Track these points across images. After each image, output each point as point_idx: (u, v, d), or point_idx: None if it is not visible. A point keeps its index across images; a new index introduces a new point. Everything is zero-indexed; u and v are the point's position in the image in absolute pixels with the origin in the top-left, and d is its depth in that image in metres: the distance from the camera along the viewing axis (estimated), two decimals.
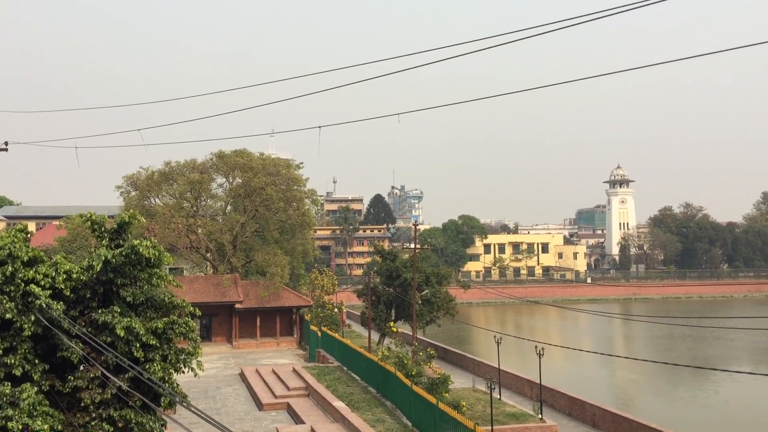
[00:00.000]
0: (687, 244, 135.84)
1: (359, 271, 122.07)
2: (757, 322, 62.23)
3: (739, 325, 61.81)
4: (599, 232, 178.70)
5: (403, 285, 44.13)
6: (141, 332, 14.85)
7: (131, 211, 16.48)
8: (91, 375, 14.60)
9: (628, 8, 9.96)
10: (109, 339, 14.87)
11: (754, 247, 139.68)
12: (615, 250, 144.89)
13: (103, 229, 16.08)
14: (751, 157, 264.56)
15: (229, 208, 54.92)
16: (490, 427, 23.90)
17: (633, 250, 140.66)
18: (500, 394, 30.58)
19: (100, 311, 15.07)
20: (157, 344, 15.34)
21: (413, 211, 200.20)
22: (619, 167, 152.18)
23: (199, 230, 50.72)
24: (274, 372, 35.88)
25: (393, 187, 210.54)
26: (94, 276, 15.33)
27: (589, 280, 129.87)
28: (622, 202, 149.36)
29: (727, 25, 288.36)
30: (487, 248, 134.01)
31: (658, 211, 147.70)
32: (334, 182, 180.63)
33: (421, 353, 33.46)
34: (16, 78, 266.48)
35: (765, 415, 36.69)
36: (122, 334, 14.68)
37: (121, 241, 16.04)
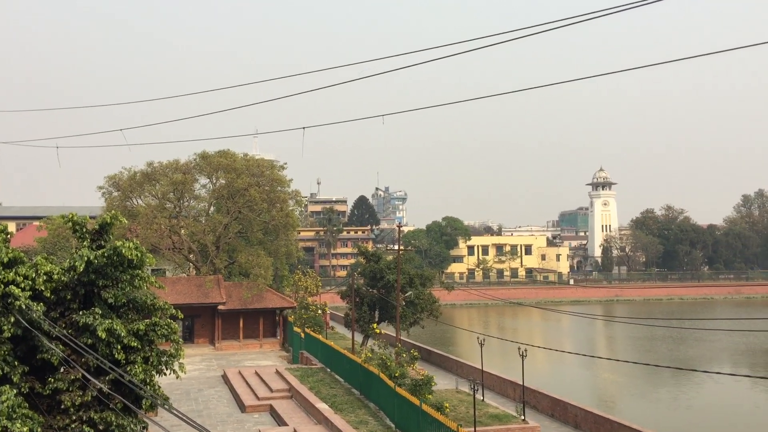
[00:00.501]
0: (668, 247, 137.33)
1: (343, 273, 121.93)
2: (737, 324, 62.97)
3: (720, 327, 62.44)
4: (582, 234, 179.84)
5: (386, 286, 44.17)
6: (122, 334, 14.76)
7: (113, 212, 16.38)
8: (72, 377, 14.48)
9: (610, 12, 10.04)
10: (90, 341, 14.77)
11: (734, 250, 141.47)
12: (597, 252, 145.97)
13: (84, 230, 15.97)
14: (731, 160, 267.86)
15: (212, 209, 54.63)
16: (473, 429, 23.95)
17: (615, 252, 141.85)
18: (483, 396, 30.68)
19: (81, 313, 14.96)
20: (139, 346, 15.26)
21: (397, 212, 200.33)
22: (601, 170, 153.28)
23: (182, 231, 50.40)
24: (257, 374, 35.76)
25: (377, 189, 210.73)
26: (76, 277, 15.21)
27: (571, 281, 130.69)
28: (605, 204, 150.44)
29: (711, 30, 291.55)
30: (470, 250, 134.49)
31: (640, 213, 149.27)
32: (318, 183, 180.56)
33: (404, 355, 33.48)
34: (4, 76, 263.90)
35: (744, 416, 37.04)
36: (103, 336, 14.58)
37: (102, 242, 15.93)
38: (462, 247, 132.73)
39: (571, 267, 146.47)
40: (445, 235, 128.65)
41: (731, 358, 56.59)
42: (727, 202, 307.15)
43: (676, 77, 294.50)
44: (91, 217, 17.05)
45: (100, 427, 14.63)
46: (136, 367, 15.04)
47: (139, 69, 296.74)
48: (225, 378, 36.52)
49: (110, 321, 14.73)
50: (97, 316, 14.80)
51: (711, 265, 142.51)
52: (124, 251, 15.02)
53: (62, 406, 14.51)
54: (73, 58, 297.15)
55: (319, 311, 50.80)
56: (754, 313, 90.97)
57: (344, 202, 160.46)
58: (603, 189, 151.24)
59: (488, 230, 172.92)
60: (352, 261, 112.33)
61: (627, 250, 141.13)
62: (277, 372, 35.54)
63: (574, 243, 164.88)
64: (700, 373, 44.04)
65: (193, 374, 37.93)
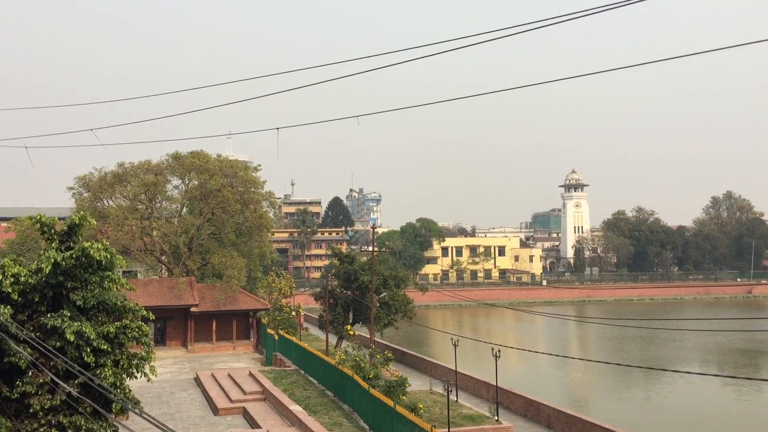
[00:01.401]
0: (639, 248, 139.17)
1: (317, 274, 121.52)
2: (706, 324, 63.96)
3: (689, 327, 63.40)
4: (555, 235, 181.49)
5: (360, 288, 44.16)
6: (92, 337, 14.57)
7: (81, 213, 16.16)
8: (40, 381, 14.27)
9: (581, 15, 10.12)
10: (58, 344, 14.55)
11: (703, 250, 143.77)
12: (570, 253, 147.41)
13: (53, 231, 15.76)
14: (701, 163, 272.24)
15: (184, 210, 54.11)
16: (446, 430, 24.00)
17: (587, 253, 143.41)
18: (457, 397, 30.75)
19: (49, 315, 14.74)
20: (109, 349, 15.07)
21: (371, 213, 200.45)
22: (574, 171, 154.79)
23: (154, 232, 49.87)
24: (230, 376, 35.54)
25: (351, 190, 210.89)
26: (43, 279, 14.99)
27: (544, 282, 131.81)
28: (577, 206, 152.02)
29: (682, 34, 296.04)
30: (444, 251, 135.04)
31: (612, 215, 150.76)
32: (292, 185, 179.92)
33: (378, 356, 33.43)
34: None
35: (713, 415, 37.62)
36: (72, 339, 14.39)
37: (71, 244, 15.70)
38: (436, 249, 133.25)
39: (544, 268, 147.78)
40: (420, 236, 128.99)
41: (701, 358, 57.47)
42: (697, 203, 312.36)
43: (648, 81, 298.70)
44: (60, 219, 16.81)
45: (70, 431, 14.40)
46: (106, 370, 14.84)
47: (135, 69, 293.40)
48: (197, 380, 36.21)
49: (79, 323, 14.51)
50: (65, 319, 14.59)
51: (681, 266, 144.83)
52: (92, 252, 14.83)
53: (31, 410, 14.30)
54: (66, 56, 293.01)
55: (293, 313, 50.59)
56: (722, 313, 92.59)
57: (318, 203, 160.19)
58: (575, 191, 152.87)
59: (462, 232, 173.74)
60: (327, 262, 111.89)
61: (599, 251, 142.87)
62: (251, 374, 35.34)
63: (547, 244, 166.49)
64: (670, 373, 44.61)
65: (165, 377, 37.56)
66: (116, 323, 15.42)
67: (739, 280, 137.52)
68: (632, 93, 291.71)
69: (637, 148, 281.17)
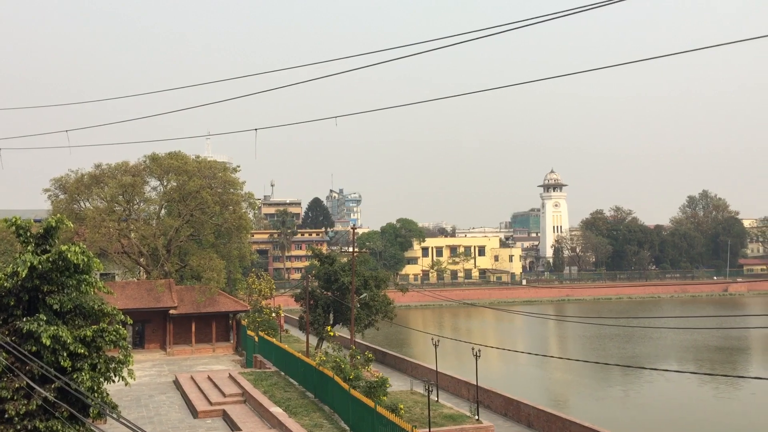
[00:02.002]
0: (617, 247, 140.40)
1: (297, 275, 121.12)
2: (683, 322, 64.71)
3: (667, 325, 64.06)
4: (534, 235, 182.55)
5: (341, 289, 44.11)
6: (68, 341, 14.46)
7: (58, 215, 16.01)
8: (16, 385, 14.12)
9: (563, 14, 10.20)
10: (34, 348, 14.42)
11: (680, 249, 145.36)
12: (549, 252, 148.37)
13: (28, 234, 15.59)
14: (677, 162, 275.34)
15: (163, 211, 53.66)
16: (427, 430, 24.03)
17: (566, 253, 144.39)
18: (438, 397, 30.83)
19: (25, 319, 14.59)
20: (86, 353, 14.96)
21: (352, 214, 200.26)
22: (552, 171, 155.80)
23: (132, 234, 49.38)
24: (209, 378, 35.38)
25: (331, 191, 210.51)
26: (19, 283, 14.81)
27: (524, 282, 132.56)
28: (556, 205, 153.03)
29: (664, 33, 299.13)
30: (425, 251, 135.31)
31: (590, 214, 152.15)
32: (272, 185, 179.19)
33: (358, 357, 33.44)
34: None
35: (691, 412, 38.04)
36: (48, 343, 14.26)
37: (47, 247, 15.54)
38: (416, 249, 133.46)
39: (524, 267, 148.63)
40: (400, 236, 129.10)
41: (678, 355, 58.10)
42: (674, 203, 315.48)
43: (626, 82, 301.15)
44: (36, 221, 16.64)
45: None
46: (83, 374, 14.73)
47: (114, 69, 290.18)
48: (177, 383, 35.98)
49: (55, 327, 14.40)
50: (41, 323, 14.45)
51: (658, 265, 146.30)
52: (69, 256, 14.70)
53: (6, 416, 14.15)
54: (43, 55, 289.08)
55: (273, 314, 50.45)
56: (698, 311, 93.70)
57: (298, 204, 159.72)
58: (554, 190, 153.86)
59: (442, 232, 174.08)
60: (307, 263, 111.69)
61: (577, 250, 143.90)
62: (230, 376, 35.18)
63: (526, 244, 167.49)
64: (649, 371, 45.03)
65: (143, 380, 37.31)
66: (93, 327, 15.31)
67: (715, 278, 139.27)
68: (610, 93, 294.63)
69: (615, 148, 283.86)
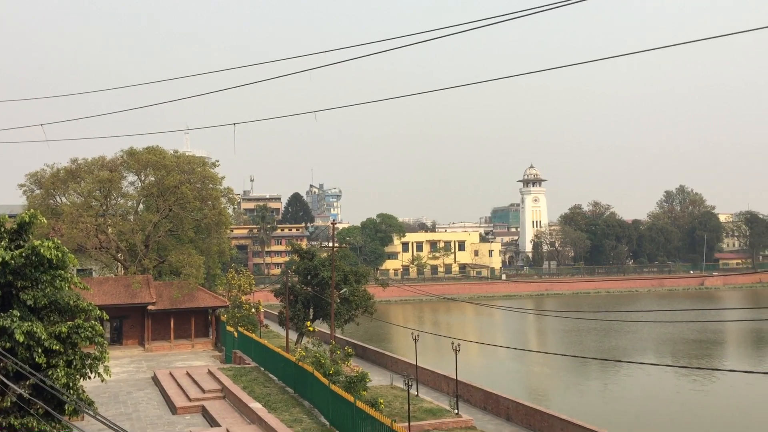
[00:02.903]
0: (595, 241, 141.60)
1: (277, 271, 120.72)
2: (660, 315, 65.46)
3: (644, 319, 64.75)
4: (513, 229, 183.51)
5: (321, 284, 44.05)
6: (43, 337, 14.33)
7: (32, 210, 15.83)
8: None
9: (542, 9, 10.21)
10: (8, 344, 14.25)
11: (657, 244, 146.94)
12: (528, 247, 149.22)
13: (2, 229, 15.39)
14: (655, 157, 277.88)
15: (141, 207, 53.18)
16: (407, 424, 24.02)
17: (545, 248, 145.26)
18: (418, 391, 30.88)
19: None
20: (61, 349, 14.83)
21: (332, 209, 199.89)
22: (532, 167, 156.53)
23: (109, 230, 48.86)
24: (188, 374, 35.02)
25: (311, 186, 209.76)
26: None
27: (503, 277, 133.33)
28: (535, 200, 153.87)
29: (640, 30, 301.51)
30: (405, 246, 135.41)
31: (569, 209, 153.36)
32: (252, 180, 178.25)
33: (338, 352, 33.39)
34: None
35: (668, 403, 38.46)
36: (22, 339, 14.11)
37: (21, 242, 15.33)
38: (397, 244, 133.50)
39: (504, 262, 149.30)
40: (380, 231, 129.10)
41: (655, 348, 58.73)
42: (651, 198, 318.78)
43: (604, 78, 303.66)
44: (11, 217, 16.41)
45: None
46: (59, 370, 14.64)
47: (93, 62, 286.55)
48: (155, 379, 35.68)
49: (30, 323, 14.27)
50: (15, 319, 14.28)
51: (636, 259, 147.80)
52: (42, 251, 14.59)
53: None
54: (22, 47, 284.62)
55: (253, 310, 50.20)
56: (675, 304, 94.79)
57: (278, 199, 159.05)
58: (533, 185, 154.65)
59: (422, 227, 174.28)
60: (287, 259, 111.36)
61: (556, 245, 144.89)
62: (210, 372, 34.90)
63: (506, 239, 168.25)
64: (626, 364, 45.44)
65: (121, 376, 36.99)
66: (69, 323, 15.20)
67: (692, 272, 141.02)
68: (589, 89, 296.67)
69: (594, 144, 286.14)
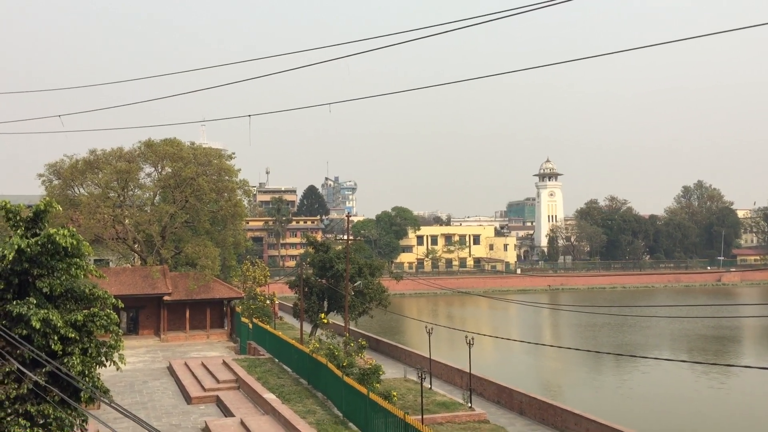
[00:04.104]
0: (612, 236, 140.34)
1: (292, 263, 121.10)
2: (675, 311, 64.88)
3: (658, 314, 64.25)
4: (529, 224, 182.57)
5: (335, 276, 44.04)
6: (59, 325, 14.34)
7: (47, 198, 15.90)
8: (6, 369, 14.01)
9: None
10: (24, 332, 14.29)
11: (674, 239, 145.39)
12: (544, 241, 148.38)
13: (18, 217, 15.45)
14: (673, 152, 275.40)
15: (157, 198, 53.40)
16: (420, 417, 23.90)
17: (561, 242, 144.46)
18: (431, 384, 30.87)
19: (15, 303, 14.46)
20: (77, 337, 14.82)
21: (347, 202, 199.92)
22: (548, 161, 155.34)
23: (126, 221, 49.09)
24: (203, 365, 35.21)
25: (327, 179, 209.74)
26: (8, 266, 14.69)
27: (518, 271, 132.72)
28: (551, 195, 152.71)
29: (664, 23, 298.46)
30: (420, 240, 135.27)
31: (585, 204, 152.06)
32: (267, 173, 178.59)
33: (352, 344, 33.43)
34: None
35: (687, 401, 38.11)
36: (38, 327, 14.12)
37: (37, 231, 15.43)
38: (411, 237, 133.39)
39: (518, 256, 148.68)
40: (395, 225, 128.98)
41: (671, 344, 58.28)
42: (668, 193, 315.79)
43: (622, 73, 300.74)
44: (28, 206, 16.51)
45: (39, 421, 14.18)
46: (74, 358, 14.63)
47: (111, 54, 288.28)
48: (170, 369, 35.92)
49: (46, 311, 14.29)
50: (31, 306, 14.33)
51: (652, 255, 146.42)
52: (58, 239, 14.56)
53: None
54: (38, 39, 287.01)
55: (268, 301, 50.36)
56: (691, 300, 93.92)
57: (293, 191, 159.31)
58: (549, 180, 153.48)
59: (437, 220, 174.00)
60: (301, 251, 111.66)
61: (572, 239, 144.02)
62: (224, 363, 35.11)
63: (521, 233, 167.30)
64: (641, 359, 45.11)
65: (137, 366, 37.29)
66: (84, 311, 15.16)
67: (708, 268, 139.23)
68: (607, 84, 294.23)
69: (611, 139, 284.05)
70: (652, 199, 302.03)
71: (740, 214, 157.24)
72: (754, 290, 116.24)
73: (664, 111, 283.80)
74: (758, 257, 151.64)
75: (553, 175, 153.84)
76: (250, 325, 41.74)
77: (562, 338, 61.79)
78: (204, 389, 30.59)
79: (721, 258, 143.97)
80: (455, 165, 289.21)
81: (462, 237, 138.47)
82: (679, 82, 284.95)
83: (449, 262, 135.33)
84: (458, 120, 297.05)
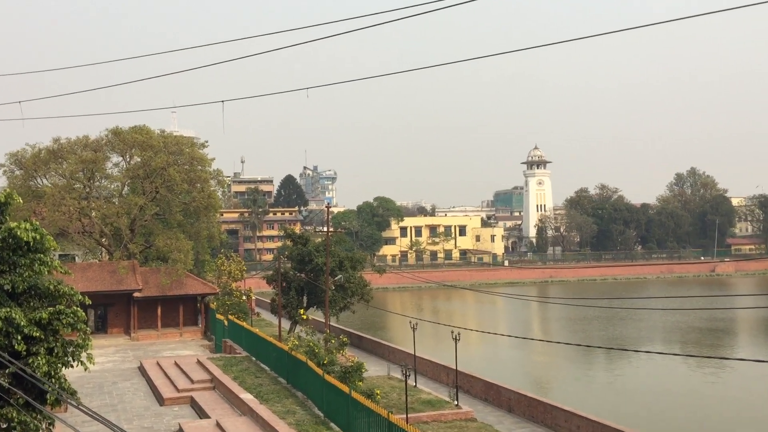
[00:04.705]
0: (602, 226, 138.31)
1: (269, 256, 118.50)
2: (668, 303, 63.97)
3: (651, 306, 63.43)
4: (517, 214, 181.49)
5: (315, 270, 43.50)
6: (22, 323, 14.39)
7: (7, 190, 15.53)
8: None
9: None
10: None
11: (666, 228, 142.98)
12: (532, 232, 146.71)
13: None
14: (665, 139, 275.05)
15: (126, 189, 52.15)
16: (404, 415, 23.26)
17: (550, 232, 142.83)
18: (416, 382, 30.28)
19: None
20: (42, 336, 14.77)
21: (326, 192, 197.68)
22: (536, 148, 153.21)
23: (93, 213, 47.95)
24: (176, 364, 34.52)
25: (305, 168, 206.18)
26: None
27: (506, 263, 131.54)
28: (540, 183, 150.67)
29: (656, 7, 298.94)
30: (403, 231, 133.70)
31: (575, 192, 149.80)
32: (242, 162, 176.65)
33: (333, 341, 32.47)
34: None
35: (679, 396, 37.21)
36: (0, 326, 14.00)
37: None
38: (394, 229, 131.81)
39: (506, 248, 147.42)
40: (377, 216, 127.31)
41: (663, 337, 57.58)
42: (661, 181, 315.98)
43: (612, 58, 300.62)
44: None
45: (2, 425, 14.14)
46: (39, 358, 14.53)
47: (80, 39, 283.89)
48: (142, 369, 35.26)
49: (8, 309, 14.17)
50: None
51: (644, 245, 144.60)
52: (19, 233, 14.46)
53: None
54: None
55: (244, 297, 49.51)
56: (684, 291, 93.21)
57: (270, 182, 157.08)
58: (538, 168, 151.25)
59: (421, 211, 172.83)
60: (279, 244, 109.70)
61: (561, 230, 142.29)
62: (199, 362, 34.37)
63: (509, 223, 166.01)
64: (633, 353, 44.57)
65: (107, 366, 36.64)
66: (49, 309, 15.05)
67: (702, 258, 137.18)
68: (597, 70, 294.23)
69: (601, 125, 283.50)
70: (645, 187, 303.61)
71: (734, 201, 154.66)
72: (748, 280, 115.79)
73: (656, 97, 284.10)
74: (753, 247, 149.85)
75: (541, 163, 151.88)
76: (226, 322, 40.96)
77: (551, 332, 60.85)
78: (177, 390, 30.04)
79: (715, 248, 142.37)
80: (440, 153, 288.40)
81: (447, 228, 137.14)
82: (674, 69, 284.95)
83: (434, 254, 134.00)
84: (442, 107, 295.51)
